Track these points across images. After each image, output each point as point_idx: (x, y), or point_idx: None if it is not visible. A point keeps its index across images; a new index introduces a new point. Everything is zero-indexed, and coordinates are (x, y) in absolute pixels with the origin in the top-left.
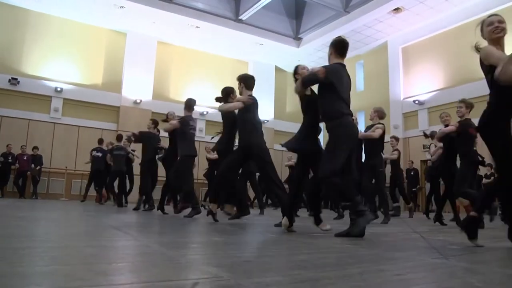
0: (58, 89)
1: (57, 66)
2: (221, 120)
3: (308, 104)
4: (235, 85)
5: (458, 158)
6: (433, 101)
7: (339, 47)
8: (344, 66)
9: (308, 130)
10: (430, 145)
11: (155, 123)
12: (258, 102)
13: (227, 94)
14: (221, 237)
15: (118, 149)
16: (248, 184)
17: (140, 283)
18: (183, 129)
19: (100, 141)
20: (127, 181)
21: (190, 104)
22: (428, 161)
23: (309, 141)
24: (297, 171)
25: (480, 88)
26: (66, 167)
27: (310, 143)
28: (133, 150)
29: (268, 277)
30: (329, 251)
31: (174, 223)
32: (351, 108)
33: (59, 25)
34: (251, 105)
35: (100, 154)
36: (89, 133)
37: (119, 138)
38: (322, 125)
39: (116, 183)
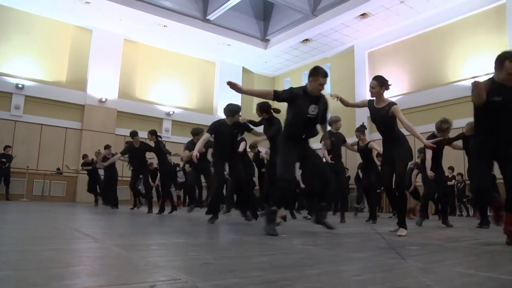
0: (20, 85)
1: (18, 62)
2: (187, 121)
3: None
4: (202, 85)
5: None
6: (398, 105)
7: None
8: None
9: None
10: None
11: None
12: (224, 103)
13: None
14: (182, 238)
15: None
16: None
17: (96, 287)
18: None
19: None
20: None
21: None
22: None
23: None
24: None
25: (442, 94)
26: (27, 167)
27: None
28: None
29: (226, 279)
30: (289, 252)
31: (139, 225)
32: None
33: (21, 19)
34: None
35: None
36: (52, 131)
37: None
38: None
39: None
